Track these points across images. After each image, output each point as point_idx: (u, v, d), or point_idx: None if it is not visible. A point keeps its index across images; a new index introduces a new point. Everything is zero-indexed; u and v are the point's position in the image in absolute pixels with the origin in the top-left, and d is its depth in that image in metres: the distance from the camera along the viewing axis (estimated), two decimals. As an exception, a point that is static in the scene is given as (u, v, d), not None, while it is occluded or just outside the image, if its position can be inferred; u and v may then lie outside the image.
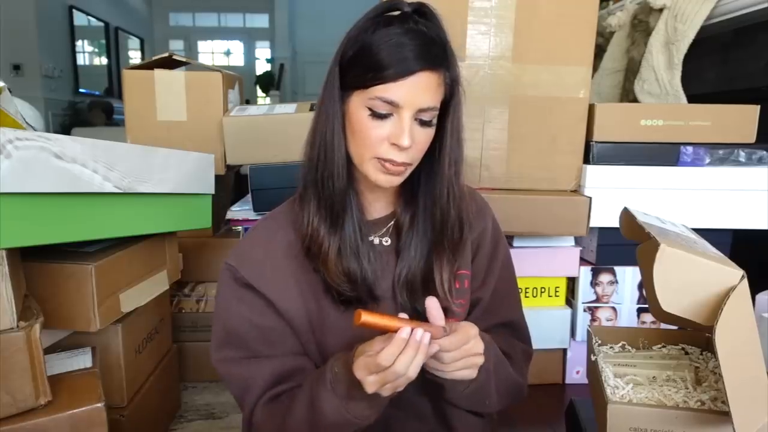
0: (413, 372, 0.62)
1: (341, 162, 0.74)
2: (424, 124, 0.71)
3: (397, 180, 0.74)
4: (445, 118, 0.75)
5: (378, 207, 0.81)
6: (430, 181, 0.78)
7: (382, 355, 0.60)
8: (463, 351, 0.66)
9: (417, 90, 0.68)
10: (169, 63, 1.63)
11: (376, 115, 0.69)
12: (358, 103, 0.70)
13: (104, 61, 6.52)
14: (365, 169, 0.73)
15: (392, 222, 0.81)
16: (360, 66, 0.70)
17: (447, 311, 0.77)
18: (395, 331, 0.61)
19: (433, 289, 0.77)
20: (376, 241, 0.81)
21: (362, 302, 0.77)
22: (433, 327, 0.64)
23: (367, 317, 0.60)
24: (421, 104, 0.69)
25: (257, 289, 0.77)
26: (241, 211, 1.52)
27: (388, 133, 0.69)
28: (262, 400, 0.76)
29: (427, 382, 0.71)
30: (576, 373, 1.56)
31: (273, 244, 0.79)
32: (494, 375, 0.76)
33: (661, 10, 1.65)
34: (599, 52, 1.91)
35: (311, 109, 1.53)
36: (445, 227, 0.78)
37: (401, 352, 0.60)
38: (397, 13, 0.72)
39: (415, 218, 0.79)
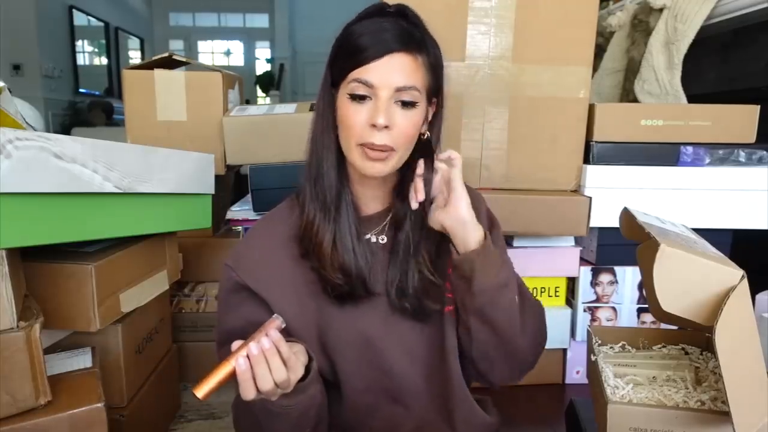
0: (278, 376, 0.62)
1: (331, 158, 0.76)
2: (405, 105, 0.72)
3: (381, 167, 0.73)
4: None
5: (373, 202, 0.82)
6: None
7: (241, 391, 0.62)
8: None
9: (392, 70, 0.70)
10: (169, 63, 1.62)
11: (355, 99, 0.71)
12: (342, 94, 0.73)
13: (104, 61, 6.52)
14: (352, 158, 0.74)
15: (388, 218, 0.82)
16: (342, 55, 0.73)
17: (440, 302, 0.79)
18: (234, 373, 0.61)
19: (424, 292, 0.78)
20: (373, 239, 0.81)
21: (357, 297, 0.78)
22: (264, 328, 0.64)
23: (204, 389, 0.61)
24: (397, 83, 0.71)
25: (254, 291, 0.78)
26: (241, 211, 1.52)
27: (366, 115, 0.71)
28: None
29: (433, 373, 0.71)
30: (576, 373, 1.56)
31: (270, 244, 0.80)
32: (513, 277, 0.77)
33: (661, 10, 1.64)
34: (599, 52, 1.91)
35: (311, 109, 1.52)
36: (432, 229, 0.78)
37: (254, 376, 0.62)
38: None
39: (409, 217, 0.79)
